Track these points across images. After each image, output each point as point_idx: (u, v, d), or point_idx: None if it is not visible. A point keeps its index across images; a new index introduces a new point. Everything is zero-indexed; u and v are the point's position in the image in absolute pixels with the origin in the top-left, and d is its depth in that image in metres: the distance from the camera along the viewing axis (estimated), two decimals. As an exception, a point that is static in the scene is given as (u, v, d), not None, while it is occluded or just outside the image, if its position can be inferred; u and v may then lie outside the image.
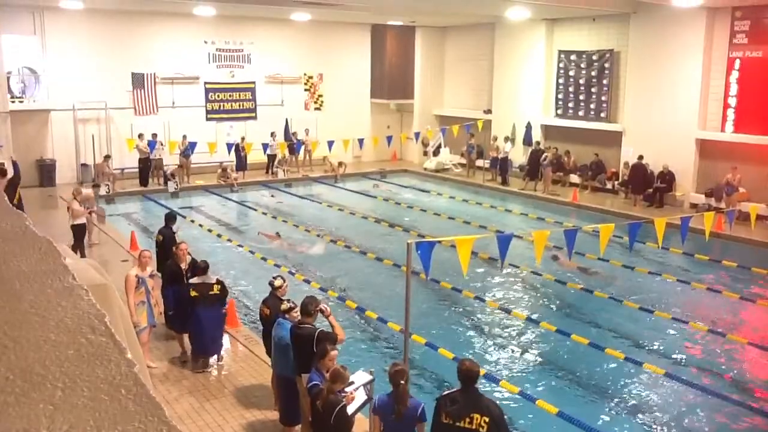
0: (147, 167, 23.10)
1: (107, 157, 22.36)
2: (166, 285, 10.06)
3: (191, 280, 9.46)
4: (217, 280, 9.47)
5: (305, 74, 28.01)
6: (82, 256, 13.19)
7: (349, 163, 26.77)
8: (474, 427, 5.34)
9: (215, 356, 9.70)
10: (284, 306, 7.83)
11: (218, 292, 9.28)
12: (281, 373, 7.75)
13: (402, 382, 5.92)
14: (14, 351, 1.32)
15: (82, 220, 14.58)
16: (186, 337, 9.85)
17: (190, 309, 9.30)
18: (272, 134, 25.34)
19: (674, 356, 10.74)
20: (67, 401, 1.14)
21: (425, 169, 27.63)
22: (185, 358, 9.82)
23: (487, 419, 5.32)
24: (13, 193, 15.32)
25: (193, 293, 9.21)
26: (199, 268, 9.47)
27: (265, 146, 24.94)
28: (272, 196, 23.22)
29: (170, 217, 12.02)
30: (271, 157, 25.44)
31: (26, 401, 1.14)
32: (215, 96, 26.10)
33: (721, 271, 14.94)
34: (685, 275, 14.56)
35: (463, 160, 27.06)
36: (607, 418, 8.84)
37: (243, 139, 24.57)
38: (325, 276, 14.37)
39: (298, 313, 7.53)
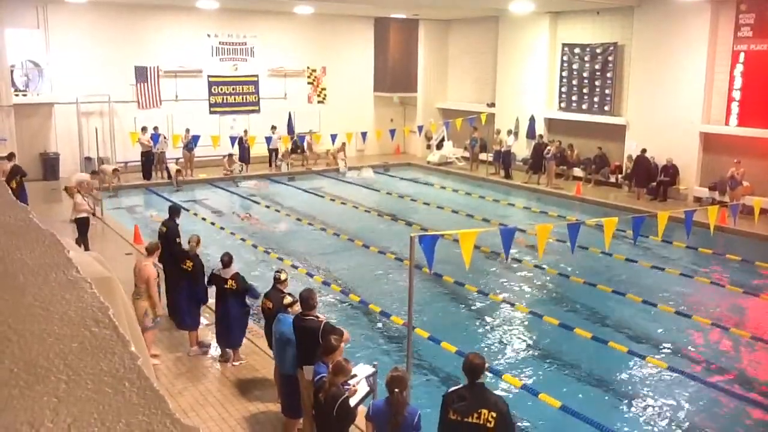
0: (150, 160, 23.11)
1: (116, 170, 22.14)
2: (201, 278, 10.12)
3: (213, 271, 9.58)
4: (232, 275, 9.31)
5: (308, 67, 27.97)
6: (86, 249, 13.22)
7: (352, 157, 26.74)
8: (482, 422, 5.30)
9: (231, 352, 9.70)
10: (287, 300, 7.86)
11: (232, 288, 9.26)
12: (282, 370, 7.76)
13: (396, 390, 5.65)
14: (18, 344, 1.32)
15: (84, 214, 14.61)
16: (195, 332, 10.02)
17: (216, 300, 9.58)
18: (273, 128, 25.29)
19: (677, 350, 10.74)
20: (71, 394, 1.15)
21: (428, 162, 27.60)
22: (191, 353, 9.87)
23: (494, 414, 5.30)
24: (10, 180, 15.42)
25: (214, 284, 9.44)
26: (221, 260, 9.49)
27: (268, 139, 24.94)
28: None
29: (174, 210, 12.03)
30: (273, 151, 25.42)
31: (30, 394, 1.15)
32: (218, 89, 26.10)
33: (724, 265, 14.92)
34: (688, 269, 14.54)
35: (467, 154, 27.01)
36: (610, 412, 8.84)
37: (246, 132, 24.56)
38: (328, 269, 14.39)
39: (299, 306, 7.55)
